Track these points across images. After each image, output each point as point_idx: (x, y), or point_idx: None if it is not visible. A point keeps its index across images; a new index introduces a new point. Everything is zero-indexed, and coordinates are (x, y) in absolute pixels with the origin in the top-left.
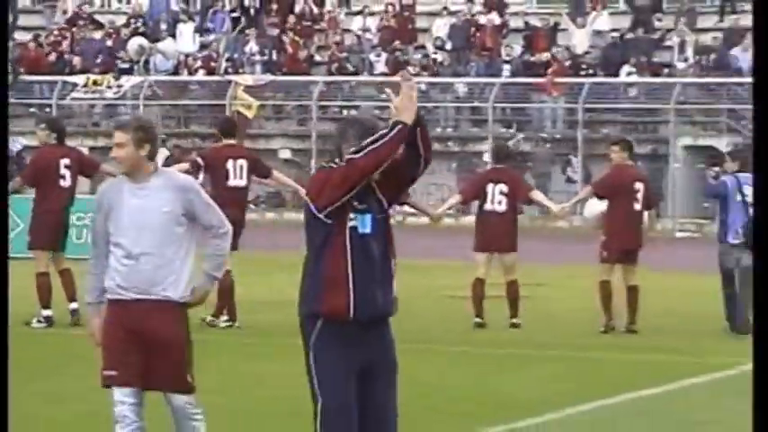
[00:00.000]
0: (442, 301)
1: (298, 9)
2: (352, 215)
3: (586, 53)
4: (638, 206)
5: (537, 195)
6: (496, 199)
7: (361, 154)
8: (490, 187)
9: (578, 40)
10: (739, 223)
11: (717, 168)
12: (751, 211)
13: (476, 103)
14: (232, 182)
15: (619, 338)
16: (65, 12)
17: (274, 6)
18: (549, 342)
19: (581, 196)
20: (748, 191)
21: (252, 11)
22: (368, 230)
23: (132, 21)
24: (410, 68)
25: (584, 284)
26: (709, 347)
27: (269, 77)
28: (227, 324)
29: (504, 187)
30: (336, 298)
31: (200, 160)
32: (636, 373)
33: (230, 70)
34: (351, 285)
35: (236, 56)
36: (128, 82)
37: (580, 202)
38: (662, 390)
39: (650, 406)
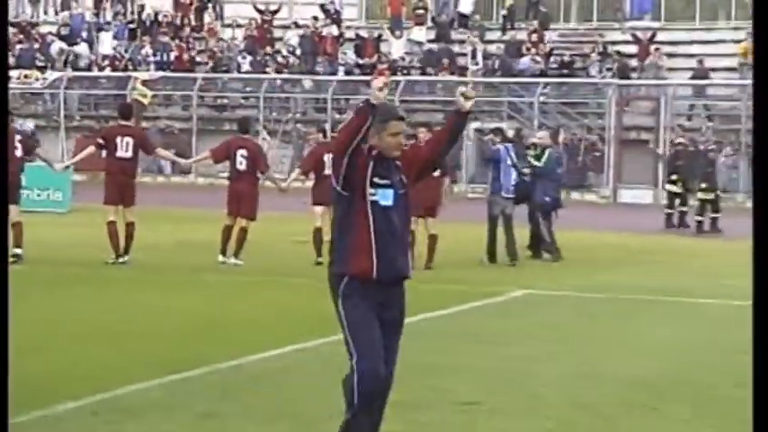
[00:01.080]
0: (291, 244)
1: (183, 21)
2: (371, 190)
3: (402, 58)
4: (435, 173)
5: None
6: (329, 165)
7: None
8: (326, 157)
9: (396, 48)
10: (510, 182)
11: (488, 137)
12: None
13: (319, 95)
14: (119, 153)
15: (419, 274)
16: None
17: (165, 20)
18: None
19: None
20: (514, 156)
21: (147, 23)
22: (390, 203)
23: (60, 29)
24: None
25: None
26: (487, 279)
27: (160, 74)
28: (122, 261)
29: None
30: (362, 262)
31: (100, 141)
32: (432, 299)
33: (130, 67)
34: (374, 252)
35: (135, 57)
36: (51, 75)
37: None
38: (452, 311)
39: (441, 323)
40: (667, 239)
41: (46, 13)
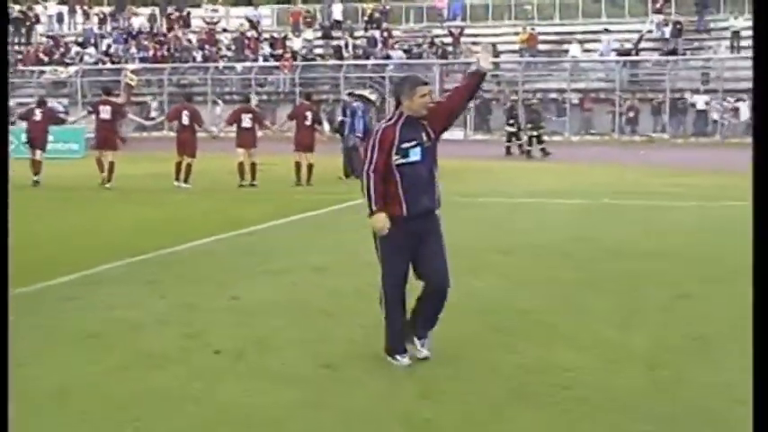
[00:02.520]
0: (223, 174)
1: (155, 30)
2: (396, 157)
3: (301, 49)
4: (308, 123)
5: (268, 122)
6: (246, 122)
7: (366, 176)
8: (243, 115)
9: (296, 44)
10: (360, 126)
11: (347, 98)
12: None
13: (246, 76)
14: (102, 116)
15: (302, 188)
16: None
17: (146, 29)
18: (267, 190)
19: (284, 121)
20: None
21: (133, 33)
22: (418, 158)
23: (77, 38)
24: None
25: (290, 163)
26: (343, 191)
27: (142, 65)
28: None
29: (250, 115)
30: (395, 208)
31: (90, 108)
32: (308, 204)
33: (123, 62)
34: (404, 199)
35: (126, 55)
36: (71, 69)
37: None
38: (320, 212)
39: (311, 220)
40: (502, 163)
41: (69, 28)
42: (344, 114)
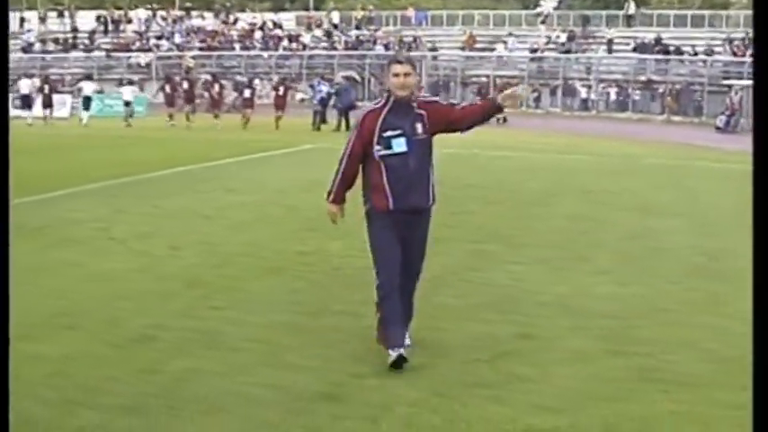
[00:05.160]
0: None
1: (209, 28)
2: (378, 147)
3: (310, 43)
4: (280, 93)
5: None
6: (246, 93)
7: (339, 161)
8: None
9: (306, 39)
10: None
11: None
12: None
13: (274, 62)
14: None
15: (274, 134)
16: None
17: (200, 28)
18: (245, 138)
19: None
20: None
21: (192, 30)
22: (404, 149)
23: (156, 34)
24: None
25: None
26: (303, 139)
27: (198, 53)
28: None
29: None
30: (380, 199)
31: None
32: (275, 146)
33: (184, 50)
34: (389, 191)
35: (186, 45)
36: (150, 56)
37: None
38: (281, 152)
39: (276, 158)
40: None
41: (151, 27)
42: (310, 87)
